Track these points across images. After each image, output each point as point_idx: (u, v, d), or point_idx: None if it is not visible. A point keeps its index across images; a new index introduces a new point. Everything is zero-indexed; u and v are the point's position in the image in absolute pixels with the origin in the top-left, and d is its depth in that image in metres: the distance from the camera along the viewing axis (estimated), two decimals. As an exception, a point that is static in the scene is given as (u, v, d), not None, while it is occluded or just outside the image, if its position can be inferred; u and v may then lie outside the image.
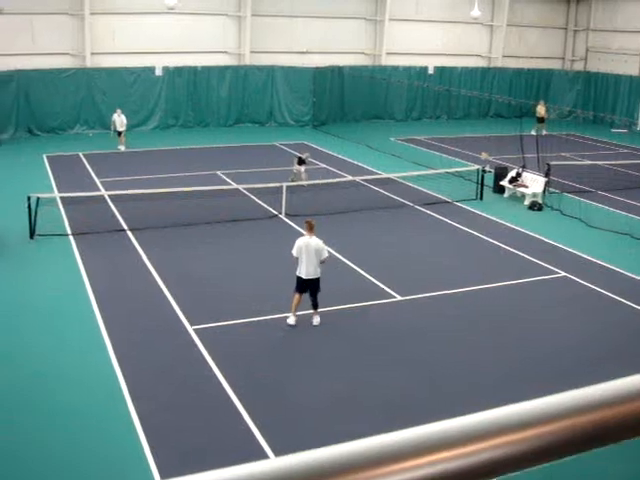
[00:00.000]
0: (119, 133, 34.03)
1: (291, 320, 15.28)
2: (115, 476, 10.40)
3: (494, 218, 24.05)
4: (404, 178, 28.11)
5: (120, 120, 33.86)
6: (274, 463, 0.93)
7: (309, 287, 15.14)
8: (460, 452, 0.97)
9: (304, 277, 15.00)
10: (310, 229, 15.17)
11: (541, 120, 40.71)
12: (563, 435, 1.03)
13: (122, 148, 33.86)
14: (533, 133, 36.66)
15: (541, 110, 41.05)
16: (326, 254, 15.14)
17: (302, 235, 15.72)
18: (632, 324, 16.05)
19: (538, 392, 1.15)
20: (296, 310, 15.26)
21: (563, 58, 51.03)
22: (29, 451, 10.84)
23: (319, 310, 15.40)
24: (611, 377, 1.16)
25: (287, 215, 23.04)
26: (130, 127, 34.95)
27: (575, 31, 50.24)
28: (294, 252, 15.08)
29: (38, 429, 11.42)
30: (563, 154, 33.20)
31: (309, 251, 14.91)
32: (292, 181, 25.85)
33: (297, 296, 15.16)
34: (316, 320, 15.38)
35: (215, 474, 0.91)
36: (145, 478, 10.28)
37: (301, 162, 27.27)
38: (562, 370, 13.57)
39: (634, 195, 26.97)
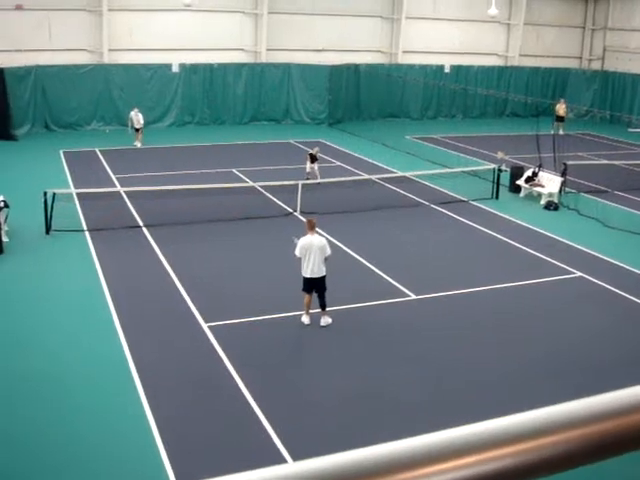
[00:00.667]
0: (137, 130, 34.09)
1: (305, 319, 15.26)
2: (129, 473, 10.43)
3: (510, 217, 23.97)
4: (420, 177, 28.07)
5: (137, 119, 33.96)
6: (289, 468, 0.93)
7: (315, 286, 15.08)
8: (477, 459, 0.97)
9: (309, 276, 14.97)
10: (311, 228, 15.14)
11: (560, 119, 40.49)
12: (578, 444, 1.02)
13: (138, 144, 33.91)
14: (552, 132, 36.49)
15: (560, 109, 40.84)
16: (329, 251, 15.10)
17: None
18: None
19: (553, 394, 1.14)
20: (309, 309, 15.25)
21: (580, 57, 50.78)
22: (40, 447, 10.88)
23: (328, 310, 15.31)
24: (625, 379, 1.15)
25: (302, 213, 23.03)
26: (146, 124, 35.03)
27: (593, 30, 49.98)
28: (297, 252, 15.01)
29: (50, 424, 11.46)
30: (580, 154, 33.06)
31: (313, 250, 14.85)
32: (307, 180, 25.87)
33: (307, 296, 15.16)
34: (324, 321, 15.25)
35: (233, 478, 0.90)
36: (159, 472, 10.30)
37: (313, 159, 27.28)
38: (578, 370, 13.51)
39: (651, 195, 26.83)
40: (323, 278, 15.02)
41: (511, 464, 0.97)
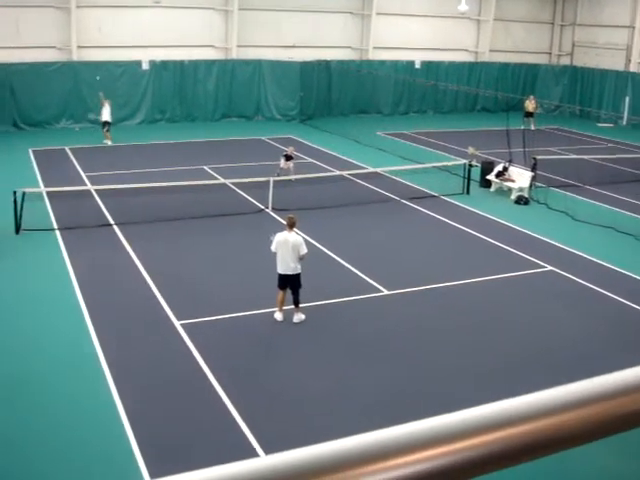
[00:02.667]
0: (104, 125, 33.55)
1: (278, 316, 15.27)
2: (103, 472, 10.39)
3: (481, 212, 24.10)
4: (391, 172, 28.14)
5: (108, 110, 33.49)
6: (262, 462, 0.94)
7: (289, 283, 15.08)
8: (446, 450, 0.98)
9: (282, 273, 14.99)
10: (290, 225, 15.12)
11: (530, 115, 40.76)
12: (541, 434, 1.04)
13: (109, 142, 33.55)
14: (523, 127, 36.79)
15: (529, 105, 41.08)
16: (304, 250, 15.00)
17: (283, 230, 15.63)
18: (617, 317, 16.13)
19: (524, 386, 1.16)
20: (282, 305, 15.25)
21: (550, 53, 51.14)
22: (9, 450, 10.81)
23: (301, 306, 15.30)
24: (593, 371, 1.18)
25: (274, 209, 23.03)
26: (117, 121, 34.82)
27: (562, 26, 50.36)
28: (272, 248, 15.05)
29: (20, 427, 11.39)
30: (549, 148, 33.33)
31: (287, 247, 14.84)
32: (278, 176, 25.84)
33: (280, 292, 15.17)
34: (297, 318, 15.24)
35: (203, 473, 0.91)
36: (133, 471, 10.28)
37: (288, 158, 27.26)
38: (548, 362, 13.63)
39: (619, 189, 27.09)
40: (297, 276, 15.00)
41: (464, 458, 0.99)
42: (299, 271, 14.99)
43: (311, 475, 0.93)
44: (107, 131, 33.59)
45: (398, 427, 0.99)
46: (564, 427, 1.05)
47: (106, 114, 33.41)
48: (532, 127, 38.80)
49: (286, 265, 14.91)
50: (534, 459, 1.02)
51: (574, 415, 1.06)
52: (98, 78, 37.14)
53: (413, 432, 0.98)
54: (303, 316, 15.32)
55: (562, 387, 1.11)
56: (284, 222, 15.87)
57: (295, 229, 15.32)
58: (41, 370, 13.17)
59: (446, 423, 1.00)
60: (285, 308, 15.28)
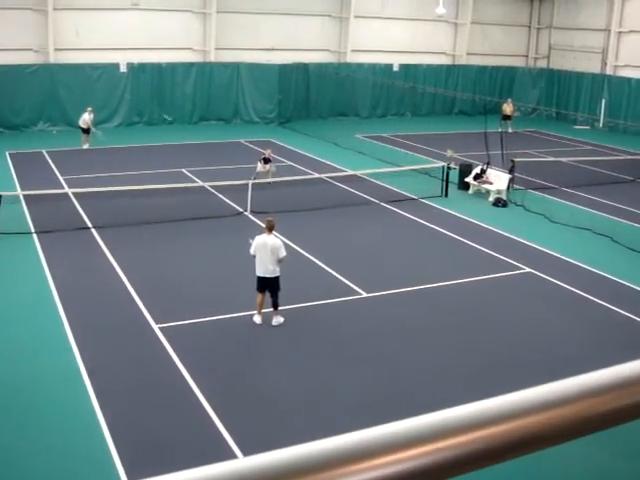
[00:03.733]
0: (85, 130, 33.40)
1: (257, 319, 15.23)
2: (80, 473, 10.33)
3: (459, 215, 24.19)
4: (369, 175, 28.19)
5: (90, 118, 33.46)
6: (243, 462, 0.94)
7: (268, 286, 15.05)
8: (429, 449, 0.98)
9: (261, 275, 14.98)
10: (268, 228, 15.12)
11: (507, 117, 41.02)
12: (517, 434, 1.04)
13: (86, 146, 33.32)
14: (500, 130, 36.99)
15: (507, 108, 41.30)
16: (283, 253, 14.99)
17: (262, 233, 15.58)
18: (595, 318, 16.23)
19: (505, 385, 1.17)
20: (261, 308, 15.22)
21: (527, 56, 51.44)
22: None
23: (280, 309, 15.28)
24: (573, 370, 1.18)
25: (252, 212, 23.00)
26: (95, 124, 34.64)
27: (538, 29, 50.67)
28: (252, 250, 15.03)
29: (1, 427, 11.32)
30: (527, 151, 33.51)
31: (266, 250, 14.83)
32: (254, 179, 25.81)
33: (259, 295, 15.13)
34: (276, 320, 15.21)
35: (183, 475, 0.91)
36: (112, 475, 10.22)
37: (267, 161, 27.21)
38: (527, 364, 13.69)
39: (596, 191, 27.28)
40: (276, 279, 14.98)
41: (445, 457, 0.99)
42: (278, 274, 14.96)
43: (291, 476, 0.93)
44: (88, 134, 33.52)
45: (379, 427, 0.99)
46: (545, 425, 1.06)
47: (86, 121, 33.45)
48: (510, 130, 39.05)
49: (265, 268, 14.88)
50: (517, 457, 1.03)
51: (554, 414, 1.07)
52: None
53: (394, 432, 0.98)
54: (282, 319, 15.28)
55: (543, 386, 1.11)
56: (263, 225, 15.84)
57: (274, 232, 15.32)
58: (17, 375, 13.06)
59: (428, 422, 1.00)
60: (264, 311, 15.26)
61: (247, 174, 25.84)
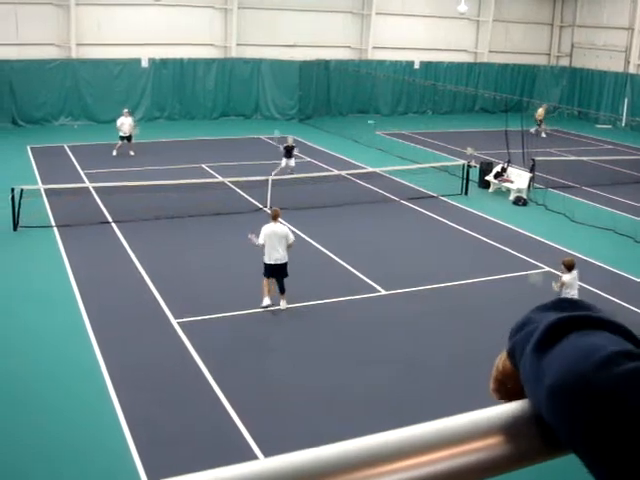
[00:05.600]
0: (124, 138, 30.82)
1: (266, 300, 15.55)
2: (100, 472, 10.37)
3: (479, 213, 24.10)
4: (390, 172, 28.12)
5: (128, 122, 30.84)
6: (263, 464, 0.92)
7: (276, 272, 15.53)
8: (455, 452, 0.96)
9: (272, 263, 15.42)
10: (274, 217, 15.70)
11: (540, 122, 40.13)
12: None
13: (132, 152, 30.92)
14: (532, 131, 36.82)
15: (541, 113, 40.36)
16: (292, 238, 15.65)
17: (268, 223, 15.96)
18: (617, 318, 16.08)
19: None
20: (269, 291, 15.57)
21: (549, 54, 51.14)
22: (8, 441, 10.79)
23: (297, 305, 15.60)
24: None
25: (272, 208, 22.96)
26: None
27: (561, 27, 50.36)
28: (260, 240, 15.43)
29: (18, 424, 11.37)
30: (548, 150, 33.31)
31: (276, 237, 15.39)
32: (275, 175, 25.85)
33: (266, 280, 15.57)
34: (283, 304, 15.68)
35: (204, 475, 0.89)
36: (129, 470, 10.25)
37: (289, 151, 27.10)
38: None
39: (617, 191, 27.08)
40: (285, 265, 15.53)
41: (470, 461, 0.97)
42: (286, 260, 15.49)
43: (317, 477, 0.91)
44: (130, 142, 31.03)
45: (403, 430, 0.97)
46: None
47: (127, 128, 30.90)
48: (543, 135, 38.55)
49: (276, 254, 15.37)
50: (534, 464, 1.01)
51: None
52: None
53: (418, 435, 0.96)
54: (286, 303, 15.76)
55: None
56: (280, 220, 15.94)
57: (280, 220, 15.91)
58: (37, 368, 13.14)
59: (451, 425, 0.98)
60: (274, 308, 15.39)
61: (267, 170, 25.85)
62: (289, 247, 15.53)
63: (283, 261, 15.45)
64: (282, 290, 15.67)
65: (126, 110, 31.84)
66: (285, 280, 15.65)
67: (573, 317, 1.01)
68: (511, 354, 1.09)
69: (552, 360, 0.95)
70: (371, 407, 12.10)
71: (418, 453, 0.94)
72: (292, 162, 27.28)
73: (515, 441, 0.98)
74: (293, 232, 16.48)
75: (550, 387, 0.92)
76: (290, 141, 27.69)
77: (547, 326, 1.00)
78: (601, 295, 17.28)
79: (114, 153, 30.69)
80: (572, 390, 0.90)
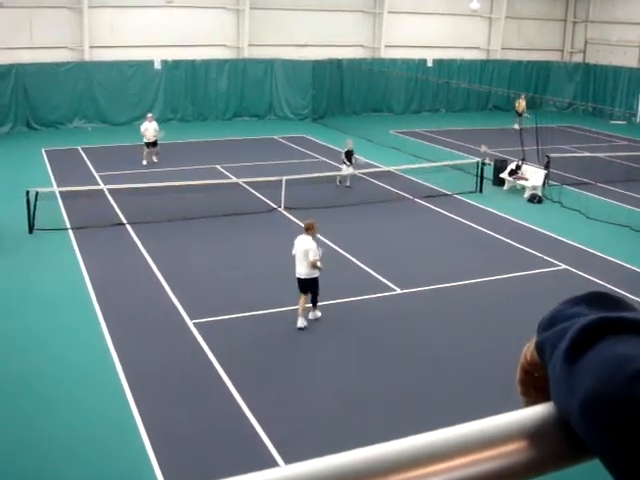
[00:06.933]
0: (150, 144, 29.82)
1: (299, 322, 14.89)
2: (117, 472, 10.38)
3: (494, 211, 24.02)
4: (403, 171, 28.06)
5: (152, 127, 29.71)
6: (282, 471, 0.90)
7: (304, 287, 14.89)
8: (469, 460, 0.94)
9: (297, 276, 14.86)
10: (307, 230, 14.85)
11: (520, 114, 39.83)
12: None
13: (156, 159, 30.08)
14: (516, 127, 36.78)
15: (521, 105, 40.21)
16: (311, 257, 14.46)
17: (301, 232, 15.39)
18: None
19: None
20: (303, 311, 14.90)
21: (562, 50, 50.92)
22: (29, 446, 10.83)
23: (318, 305, 15.23)
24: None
25: (286, 208, 23.01)
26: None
27: (574, 23, 50.11)
28: (293, 251, 14.93)
29: (33, 428, 11.41)
30: (563, 146, 33.17)
31: (299, 251, 14.72)
32: (340, 184, 25.88)
33: (302, 297, 14.87)
34: (312, 314, 15.17)
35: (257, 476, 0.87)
36: (147, 471, 10.27)
37: (349, 156, 26.35)
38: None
39: (633, 187, 26.92)
40: (312, 281, 14.77)
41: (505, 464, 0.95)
42: (314, 276, 14.73)
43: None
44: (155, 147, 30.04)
45: (427, 434, 0.95)
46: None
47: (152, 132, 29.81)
48: (516, 126, 37.90)
49: (300, 269, 14.76)
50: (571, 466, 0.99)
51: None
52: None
53: (443, 439, 0.94)
54: (319, 313, 15.24)
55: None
56: (294, 220, 15.87)
57: (311, 233, 14.86)
58: (52, 369, 13.19)
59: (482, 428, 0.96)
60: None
61: (281, 170, 25.85)
62: (312, 265, 14.53)
63: (309, 277, 14.70)
64: (313, 303, 15.12)
65: (150, 115, 31.11)
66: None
67: (606, 320, 0.98)
68: (539, 348, 1.07)
69: (584, 370, 0.92)
70: (388, 406, 12.07)
71: (443, 458, 0.93)
72: (351, 169, 26.37)
73: (540, 446, 0.95)
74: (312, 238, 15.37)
75: (582, 400, 0.90)
76: (350, 145, 26.71)
77: (578, 330, 0.98)
78: (617, 292, 17.18)
79: (144, 162, 29.68)
80: (605, 404, 0.88)
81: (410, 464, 0.92)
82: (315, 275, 14.74)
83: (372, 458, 0.91)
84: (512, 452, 0.95)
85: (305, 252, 14.59)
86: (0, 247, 19.39)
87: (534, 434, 0.97)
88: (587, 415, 0.89)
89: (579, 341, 0.96)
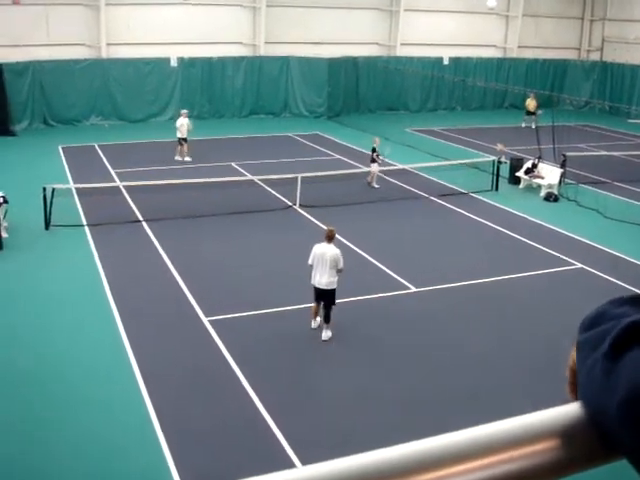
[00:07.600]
0: (183, 140, 30.15)
1: (313, 324, 14.78)
2: (132, 470, 10.42)
3: (510, 209, 23.95)
4: (419, 169, 28.02)
5: (187, 122, 30.03)
6: (299, 473, 0.90)
7: (322, 297, 14.42)
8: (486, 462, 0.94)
9: (316, 286, 14.27)
10: (329, 238, 14.36)
11: (531, 113, 39.65)
12: None
13: (188, 158, 30.18)
14: (523, 125, 36.61)
15: (530, 104, 40.10)
16: (342, 264, 14.15)
17: (319, 240, 14.87)
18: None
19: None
20: (317, 315, 14.71)
21: (579, 48, 50.69)
22: (44, 437, 10.89)
23: (331, 324, 14.54)
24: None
25: (301, 206, 23.01)
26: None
27: (591, 21, 49.86)
28: (309, 260, 14.33)
29: (51, 421, 11.46)
30: (579, 145, 33.02)
31: (324, 260, 14.05)
32: (369, 184, 25.88)
33: (315, 305, 14.62)
34: (325, 335, 14.42)
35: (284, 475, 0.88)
36: (162, 467, 10.30)
37: (375, 157, 26.31)
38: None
39: (651, 186, 26.80)
40: (332, 292, 14.25)
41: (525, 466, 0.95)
42: (334, 287, 14.23)
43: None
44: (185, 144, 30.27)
45: (455, 433, 0.95)
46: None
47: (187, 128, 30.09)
48: (533, 125, 37.70)
49: (322, 278, 14.15)
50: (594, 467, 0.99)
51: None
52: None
53: (473, 437, 0.94)
54: (330, 333, 14.51)
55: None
56: (310, 217, 15.81)
57: (333, 242, 14.50)
58: (67, 365, 13.24)
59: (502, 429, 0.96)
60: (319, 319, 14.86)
61: (296, 167, 25.84)
62: (339, 272, 14.16)
63: (329, 287, 14.14)
64: (326, 319, 14.43)
65: (184, 111, 31.12)
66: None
67: None
68: (578, 348, 1.07)
69: (626, 367, 0.94)
70: (407, 408, 12.06)
71: (473, 456, 0.93)
72: (375, 166, 26.33)
73: (569, 445, 0.96)
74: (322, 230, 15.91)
75: (623, 396, 0.91)
76: (375, 142, 26.64)
77: (622, 330, 0.99)
78: (634, 291, 17.07)
79: (177, 158, 29.97)
80: None
81: (448, 462, 0.92)
82: (335, 286, 14.27)
83: (398, 458, 0.92)
84: (541, 451, 0.95)
85: (334, 260, 14.08)
86: (16, 243, 19.49)
87: (563, 433, 0.97)
88: (628, 411, 0.90)
89: (622, 340, 0.98)
